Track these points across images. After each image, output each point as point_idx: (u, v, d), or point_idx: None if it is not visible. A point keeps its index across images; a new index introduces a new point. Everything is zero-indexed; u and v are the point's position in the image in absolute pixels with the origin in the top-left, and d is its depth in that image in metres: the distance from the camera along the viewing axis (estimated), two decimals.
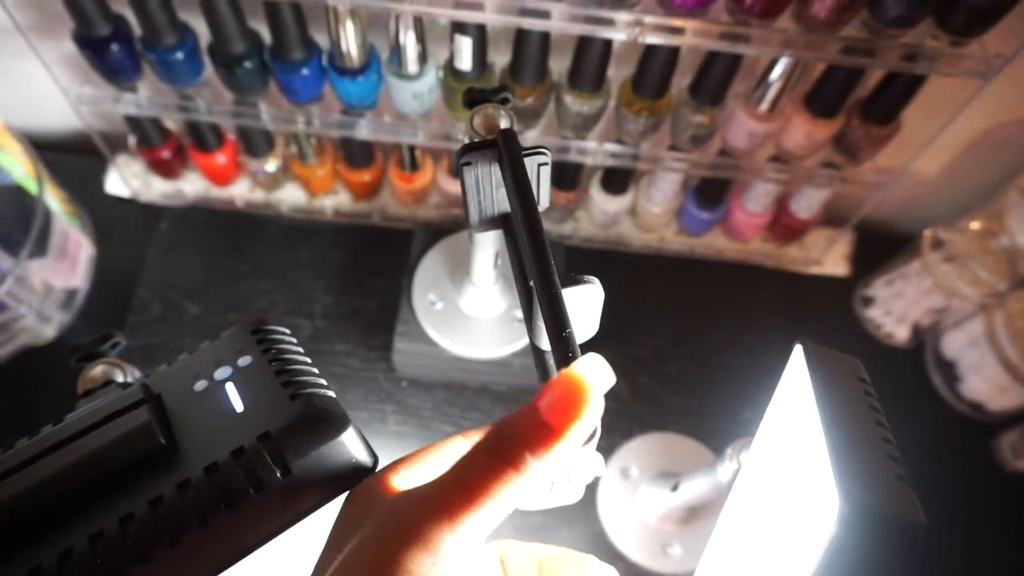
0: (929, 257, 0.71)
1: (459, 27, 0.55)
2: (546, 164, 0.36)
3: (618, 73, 0.63)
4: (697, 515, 0.64)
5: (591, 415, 0.20)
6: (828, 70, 0.59)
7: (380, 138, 0.66)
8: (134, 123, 0.70)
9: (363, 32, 0.58)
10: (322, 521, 0.29)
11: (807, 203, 0.74)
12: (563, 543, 0.65)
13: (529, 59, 0.57)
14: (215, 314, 0.75)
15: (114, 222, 0.79)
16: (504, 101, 0.39)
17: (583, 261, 0.79)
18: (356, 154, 0.73)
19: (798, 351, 0.32)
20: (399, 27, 0.56)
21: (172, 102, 0.64)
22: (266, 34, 0.59)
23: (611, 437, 0.69)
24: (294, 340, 0.33)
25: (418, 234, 0.70)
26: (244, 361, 0.31)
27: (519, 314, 0.65)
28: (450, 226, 0.71)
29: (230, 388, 0.30)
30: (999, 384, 0.69)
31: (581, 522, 0.66)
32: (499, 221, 0.38)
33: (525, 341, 0.65)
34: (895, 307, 0.76)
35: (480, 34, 0.56)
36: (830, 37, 0.52)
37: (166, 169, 0.76)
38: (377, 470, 0.28)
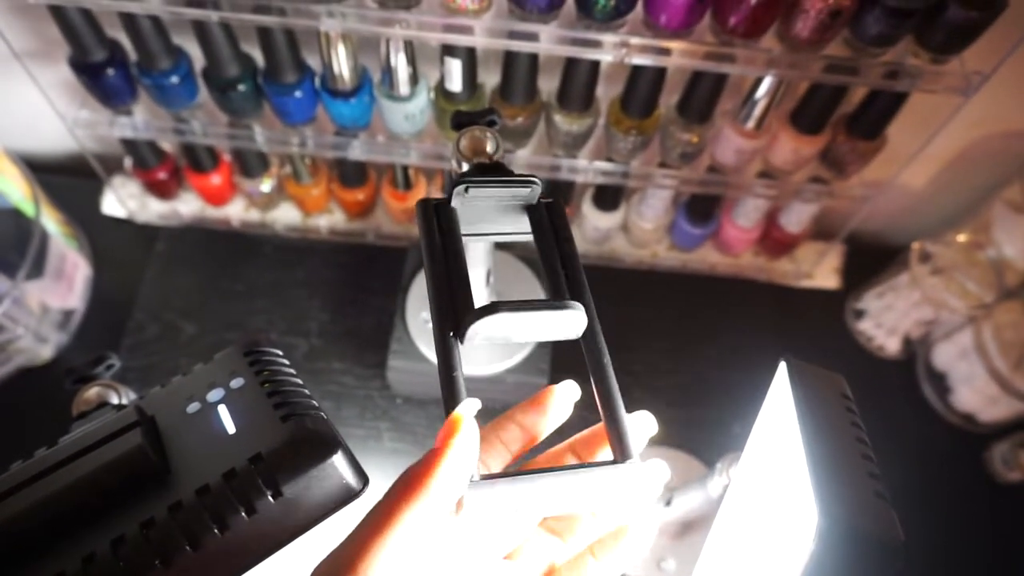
0: (917, 270, 0.72)
1: (449, 50, 0.56)
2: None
3: (607, 92, 0.64)
4: (691, 529, 0.64)
5: (465, 437, 0.27)
6: (812, 88, 0.60)
7: (373, 158, 0.67)
8: (130, 145, 0.71)
9: (355, 55, 0.59)
10: (313, 539, 0.30)
11: (796, 217, 0.75)
12: None
13: (518, 80, 0.58)
14: (211, 334, 0.75)
15: (111, 243, 0.80)
16: (491, 124, 0.39)
17: None
18: (350, 174, 0.74)
19: (782, 368, 0.33)
20: (390, 50, 0.57)
21: (168, 125, 0.65)
22: (259, 58, 0.60)
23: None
24: (286, 362, 0.34)
25: (412, 253, 0.71)
26: (237, 383, 0.31)
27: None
28: None
29: (222, 410, 0.30)
30: (989, 395, 0.70)
31: None
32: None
33: (518, 358, 0.66)
34: (886, 319, 0.76)
35: (470, 56, 0.57)
36: (813, 56, 0.53)
37: (162, 190, 0.77)
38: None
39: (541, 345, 0.67)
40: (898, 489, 0.29)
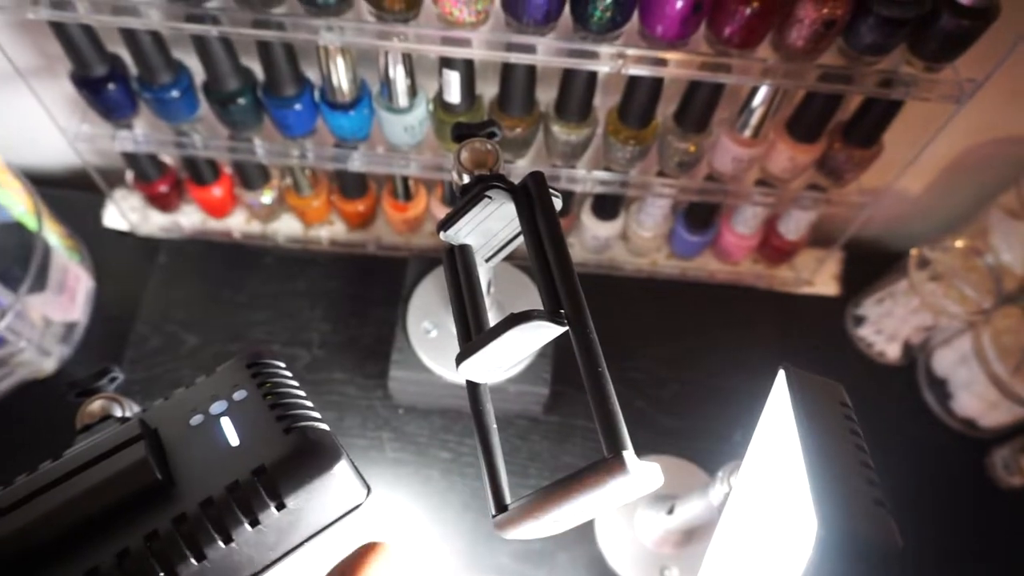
0: (916, 276, 0.72)
1: (447, 62, 0.56)
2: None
3: (604, 102, 0.64)
4: (694, 537, 0.64)
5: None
6: (808, 96, 0.61)
7: (373, 170, 0.67)
8: (131, 159, 0.71)
9: (354, 68, 0.59)
10: (316, 550, 0.30)
11: (795, 224, 0.75)
12: (561, 568, 0.66)
13: (516, 91, 0.59)
14: (213, 345, 0.75)
15: (112, 256, 0.80)
16: (491, 135, 0.40)
17: None
18: (350, 185, 0.74)
19: (781, 376, 0.33)
20: (388, 63, 0.57)
21: (168, 138, 0.66)
22: (259, 71, 0.61)
23: None
24: (289, 373, 0.34)
25: (412, 263, 0.71)
26: (239, 395, 0.32)
27: None
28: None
29: (225, 422, 0.30)
30: (989, 400, 0.70)
31: (579, 546, 0.67)
32: (464, 251, 0.38)
33: (519, 367, 0.66)
34: (885, 326, 0.76)
35: (468, 68, 0.57)
36: (808, 65, 0.53)
37: (163, 203, 0.77)
38: None
39: (542, 354, 0.67)
40: (899, 495, 0.29)
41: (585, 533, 0.67)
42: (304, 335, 0.76)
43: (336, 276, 0.80)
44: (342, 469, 0.29)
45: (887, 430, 0.73)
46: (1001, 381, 0.68)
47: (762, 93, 0.59)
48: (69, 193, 0.81)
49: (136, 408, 0.43)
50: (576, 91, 0.58)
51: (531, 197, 0.32)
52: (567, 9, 0.52)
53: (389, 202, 0.76)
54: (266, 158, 0.67)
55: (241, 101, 0.61)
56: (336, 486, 0.29)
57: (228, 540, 0.27)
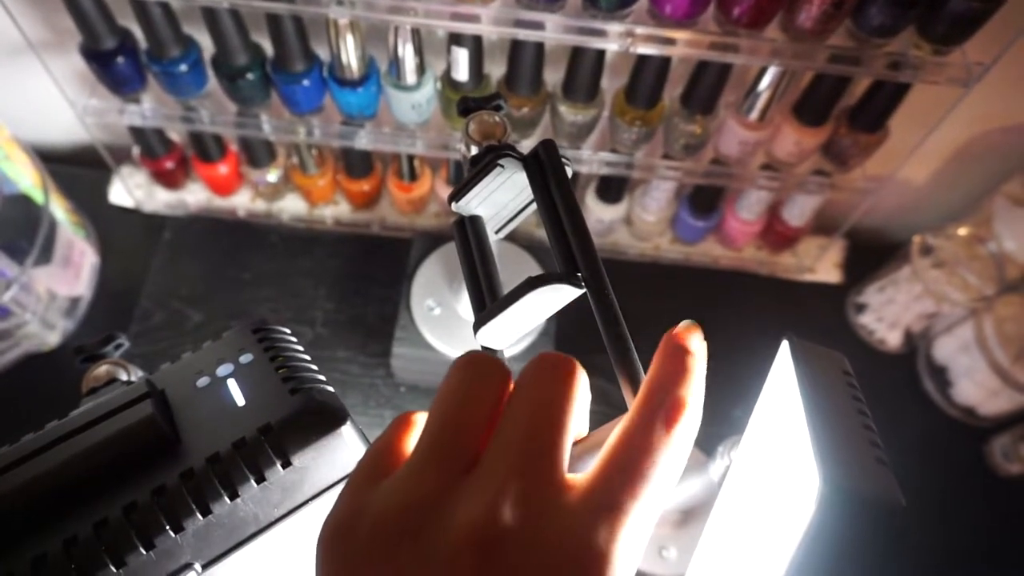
0: (918, 263, 0.72)
1: (456, 39, 0.56)
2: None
3: (611, 84, 0.64)
4: (691, 518, 0.65)
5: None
6: (815, 79, 0.61)
7: (379, 148, 0.67)
8: (138, 134, 0.71)
9: (362, 44, 0.59)
10: (319, 511, 0.30)
11: (799, 210, 0.75)
12: None
13: (524, 70, 0.59)
14: (217, 322, 0.76)
15: (118, 231, 0.80)
16: (497, 108, 0.40)
17: None
18: (356, 164, 0.74)
19: (784, 346, 0.33)
20: (397, 39, 0.57)
21: (176, 113, 0.66)
22: (268, 47, 0.61)
23: None
24: (294, 339, 0.34)
25: (416, 241, 0.71)
26: (246, 358, 0.32)
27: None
28: (448, 234, 0.72)
29: (232, 384, 0.31)
30: (990, 388, 0.70)
31: None
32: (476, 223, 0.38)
33: (522, 346, 0.66)
34: (887, 313, 0.77)
35: (476, 46, 0.57)
36: (816, 46, 0.53)
37: (169, 179, 0.78)
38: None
39: (544, 332, 0.67)
40: (898, 481, 0.29)
41: None
42: (308, 313, 0.76)
43: (340, 255, 0.80)
44: (348, 430, 0.30)
45: (886, 418, 0.73)
46: (1002, 369, 0.68)
47: (769, 76, 0.59)
48: (75, 169, 0.81)
49: (141, 373, 0.43)
50: (584, 71, 0.58)
51: (543, 165, 0.32)
52: None
53: (394, 182, 0.76)
54: (273, 135, 0.68)
55: (250, 76, 0.61)
56: (342, 447, 0.30)
57: (234, 496, 0.27)
